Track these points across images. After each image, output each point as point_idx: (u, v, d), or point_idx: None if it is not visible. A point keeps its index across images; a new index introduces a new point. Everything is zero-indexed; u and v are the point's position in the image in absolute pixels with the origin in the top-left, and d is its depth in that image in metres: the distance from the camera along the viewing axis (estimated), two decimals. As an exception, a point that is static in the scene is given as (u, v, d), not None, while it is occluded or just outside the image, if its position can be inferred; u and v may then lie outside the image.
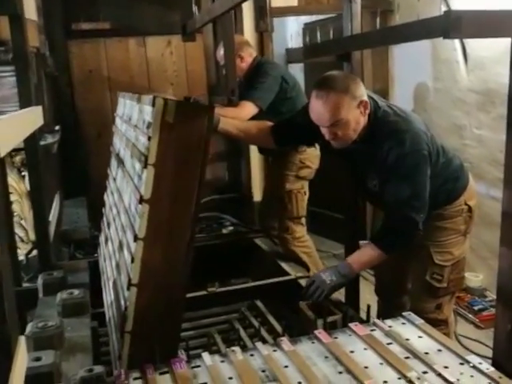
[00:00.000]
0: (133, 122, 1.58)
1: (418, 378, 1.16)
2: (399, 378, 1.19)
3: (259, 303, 2.08)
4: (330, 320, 1.63)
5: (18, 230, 2.48)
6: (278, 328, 1.85)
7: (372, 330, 1.42)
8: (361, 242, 2.07)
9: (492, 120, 2.97)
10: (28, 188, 2.25)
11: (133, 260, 1.26)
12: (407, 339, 1.36)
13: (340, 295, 1.78)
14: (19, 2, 1.79)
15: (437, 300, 1.90)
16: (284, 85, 2.62)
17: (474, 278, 3.15)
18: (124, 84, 3.52)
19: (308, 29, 4.47)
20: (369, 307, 1.57)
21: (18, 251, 2.19)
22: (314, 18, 4.34)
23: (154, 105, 1.20)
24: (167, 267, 1.29)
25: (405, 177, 1.65)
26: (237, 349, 1.33)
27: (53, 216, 2.62)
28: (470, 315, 2.95)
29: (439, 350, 1.30)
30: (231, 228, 3.23)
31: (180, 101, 1.41)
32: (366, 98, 1.67)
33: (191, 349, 1.73)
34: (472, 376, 1.19)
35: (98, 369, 1.21)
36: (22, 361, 0.82)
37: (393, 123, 1.69)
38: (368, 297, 2.19)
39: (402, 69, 3.77)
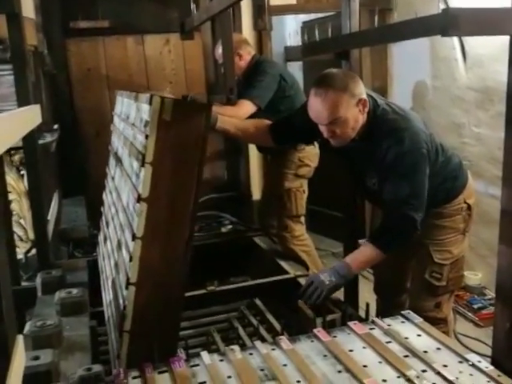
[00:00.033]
0: (130, 120, 1.58)
1: (417, 377, 1.16)
2: (398, 377, 1.18)
3: (258, 302, 2.08)
4: (329, 318, 1.63)
5: (17, 229, 2.47)
6: (277, 326, 1.85)
7: (371, 329, 1.42)
8: (360, 241, 2.07)
9: (490, 118, 2.97)
10: (27, 187, 2.25)
11: (131, 259, 1.26)
12: (406, 338, 1.35)
13: (339, 294, 1.77)
14: (17, 0, 1.78)
15: (436, 298, 1.90)
16: (282, 83, 2.62)
17: (473, 277, 3.15)
18: (122, 82, 3.52)
19: (306, 27, 4.47)
20: (368, 306, 1.57)
21: (17, 250, 2.18)
22: (312, 16, 4.33)
23: (151, 103, 1.20)
24: (165, 266, 1.29)
25: (403, 175, 1.65)
26: (236, 347, 1.33)
27: (51, 215, 2.62)
28: (470, 314, 2.95)
29: (438, 349, 1.30)
30: (230, 227, 3.23)
31: (177, 99, 1.40)
32: (364, 96, 1.67)
33: (190, 348, 1.73)
34: (471, 374, 1.18)
35: (97, 368, 1.21)
36: (19, 360, 0.82)
37: (392, 121, 1.69)
38: (367, 295, 2.19)
39: (401, 67, 3.77)
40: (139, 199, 1.22)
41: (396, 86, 3.85)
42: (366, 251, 1.71)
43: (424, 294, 1.90)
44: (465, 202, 1.88)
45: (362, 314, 1.66)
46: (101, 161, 2.48)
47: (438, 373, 1.18)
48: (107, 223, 1.95)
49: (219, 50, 2.73)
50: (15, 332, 0.83)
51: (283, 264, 2.21)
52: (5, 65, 2.06)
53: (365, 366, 1.23)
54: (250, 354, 1.32)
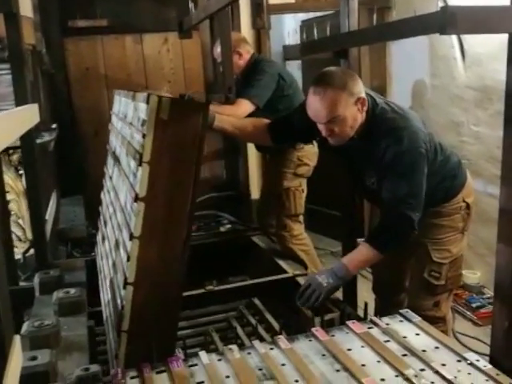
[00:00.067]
0: (128, 119, 1.57)
1: (416, 376, 1.16)
2: (396, 376, 1.18)
3: (257, 301, 2.08)
4: (328, 318, 1.63)
5: (15, 229, 2.47)
6: (276, 326, 1.84)
7: (369, 328, 1.41)
8: (359, 240, 2.07)
9: (489, 117, 2.97)
10: (25, 186, 2.24)
11: (129, 258, 1.25)
12: (404, 337, 1.35)
13: (338, 293, 1.77)
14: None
15: (435, 298, 1.89)
16: (281, 82, 2.62)
17: (472, 275, 3.15)
18: (121, 82, 3.51)
19: (305, 26, 4.46)
20: (366, 305, 1.57)
21: (16, 250, 2.18)
22: (311, 15, 4.33)
23: (148, 102, 1.19)
24: (163, 265, 1.29)
25: (402, 174, 1.64)
26: (234, 347, 1.33)
27: (49, 214, 2.61)
28: (468, 312, 2.95)
29: (436, 348, 1.30)
30: (229, 226, 3.24)
31: (174, 98, 1.40)
32: (363, 94, 1.66)
33: (189, 347, 1.73)
34: (469, 373, 1.18)
35: (94, 368, 1.21)
36: (16, 360, 0.81)
37: (390, 120, 1.69)
38: (366, 294, 2.19)
39: (400, 66, 3.76)
40: (136, 198, 1.21)
41: (395, 84, 3.85)
42: (363, 251, 1.70)
43: (423, 293, 1.90)
44: (464, 201, 1.88)
45: (360, 312, 1.66)
46: (99, 160, 2.47)
47: (437, 372, 1.18)
48: (105, 223, 1.95)
49: (218, 48, 2.72)
50: (12, 332, 0.83)
51: (282, 263, 2.21)
52: (3, 64, 2.05)
53: (363, 365, 1.23)
54: (249, 353, 1.32)
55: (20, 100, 1.85)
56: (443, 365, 1.21)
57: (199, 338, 1.86)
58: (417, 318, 1.45)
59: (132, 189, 1.30)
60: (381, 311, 1.88)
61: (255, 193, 3.70)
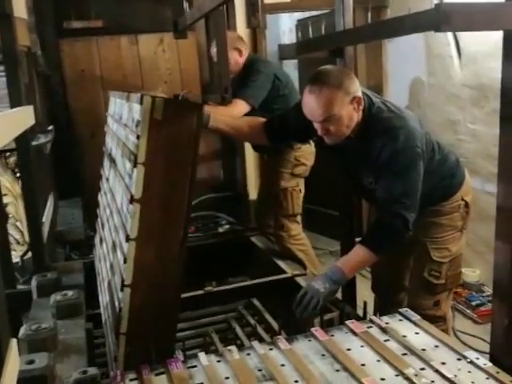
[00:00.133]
0: (123, 120, 1.57)
1: (416, 375, 1.16)
2: (396, 375, 1.18)
3: (256, 302, 2.07)
4: (327, 318, 1.63)
5: (13, 232, 2.46)
6: (276, 326, 1.84)
7: (369, 327, 1.41)
8: (357, 240, 2.07)
9: (486, 115, 2.97)
10: (22, 189, 2.23)
11: (125, 260, 1.25)
12: (404, 336, 1.35)
13: (337, 292, 1.76)
14: (8, 0, 1.77)
15: (435, 297, 1.89)
16: (277, 82, 2.61)
17: (471, 274, 3.15)
18: (117, 83, 3.50)
19: (301, 25, 4.46)
20: (365, 304, 1.57)
21: (14, 253, 2.17)
22: (307, 14, 4.32)
23: (141, 103, 1.18)
24: (160, 267, 1.28)
25: (397, 174, 1.63)
26: (233, 348, 1.33)
27: (47, 217, 2.60)
28: (468, 311, 2.95)
29: (436, 346, 1.30)
30: (227, 227, 3.23)
31: (168, 98, 1.39)
32: (359, 93, 1.66)
33: (189, 349, 1.72)
34: (469, 372, 1.18)
35: (92, 371, 1.20)
36: (13, 364, 0.81)
37: (386, 120, 1.68)
38: (365, 293, 2.18)
39: (396, 64, 3.76)
40: (132, 200, 1.21)
41: (391, 83, 3.85)
42: (357, 253, 1.68)
43: (423, 293, 1.90)
44: (462, 200, 1.87)
45: (359, 312, 1.66)
46: (96, 162, 2.46)
47: (437, 370, 1.18)
48: (103, 225, 1.94)
49: (215, 48, 2.72)
50: (9, 336, 0.82)
51: (281, 263, 2.21)
52: (-2, 66, 2.04)
53: (363, 365, 1.23)
54: (248, 354, 1.31)
55: (15, 102, 1.84)
56: (443, 363, 1.21)
57: (199, 340, 1.86)
58: (416, 317, 1.45)
59: (128, 190, 1.30)
60: (380, 310, 1.88)
61: (253, 193, 3.69)
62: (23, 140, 1.93)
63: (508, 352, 1.28)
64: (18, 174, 2.47)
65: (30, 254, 2.17)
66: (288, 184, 2.70)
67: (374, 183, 1.75)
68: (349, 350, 1.30)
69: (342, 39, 1.88)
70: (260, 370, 1.23)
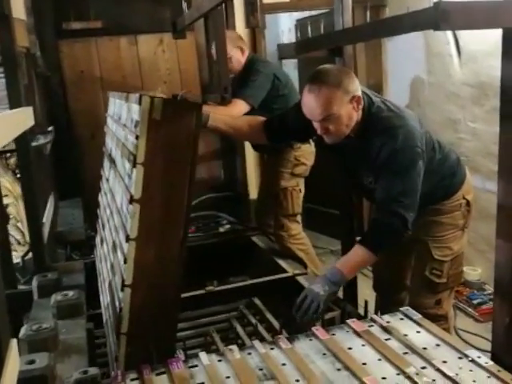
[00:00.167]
0: (122, 121, 1.57)
1: (417, 374, 1.16)
2: (398, 374, 1.18)
3: (257, 301, 2.07)
4: (328, 317, 1.62)
5: (14, 233, 2.46)
6: (277, 325, 1.84)
7: (370, 326, 1.41)
8: (358, 239, 2.06)
9: (486, 113, 2.97)
10: (23, 190, 2.23)
11: (125, 261, 1.25)
12: (405, 335, 1.35)
13: (337, 293, 1.76)
14: (6, 1, 1.77)
15: (436, 295, 1.89)
16: (276, 82, 2.61)
17: (473, 272, 3.15)
18: (116, 84, 3.50)
19: (300, 25, 4.46)
20: (366, 303, 1.56)
21: (15, 253, 2.18)
22: (306, 13, 4.32)
23: (140, 103, 1.18)
24: (160, 267, 1.28)
25: (396, 173, 1.62)
26: (234, 347, 1.33)
27: (47, 217, 2.60)
28: (470, 309, 2.95)
29: (437, 345, 1.30)
30: (228, 226, 3.23)
31: (167, 98, 1.39)
32: (359, 93, 1.65)
33: (190, 348, 1.72)
34: (471, 370, 1.18)
35: (93, 371, 1.20)
36: (13, 365, 0.81)
37: (386, 119, 1.67)
38: (366, 292, 2.18)
39: (396, 63, 3.76)
40: (132, 200, 1.21)
41: (391, 82, 3.84)
42: (356, 253, 1.66)
43: (424, 291, 1.89)
44: (464, 198, 1.87)
45: (361, 311, 1.65)
46: (96, 163, 2.46)
47: (438, 369, 1.18)
48: (103, 225, 1.94)
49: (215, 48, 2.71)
50: (9, 336, 0.82)
51: (282, 263, 2.21)
52: (-4, 68, 2.04)
53: (364, 364, 1.22)
54: (249, 353, 1.31)
55: (14, 103, 1.84)
56: (444, 362, 1.20)
57: (200, 339, 1.86)
58: (417, 316, 1.44)
59: (127, 190, 1.30)
60: (381, 309, 1.87)
61: (253, 193, 3.69)
62: (23, 141, 1.93)
63: (509, 350, 1.28)
64: (18, 175, 2.48)
65: (30, 255, 2.18)
66: (288, 184, 2.70)
67: (373, 183, 1.74)
68: (350, 348, 1.30)
69: (341, 38, 1.88)
70: (261, 370, 1.23)
